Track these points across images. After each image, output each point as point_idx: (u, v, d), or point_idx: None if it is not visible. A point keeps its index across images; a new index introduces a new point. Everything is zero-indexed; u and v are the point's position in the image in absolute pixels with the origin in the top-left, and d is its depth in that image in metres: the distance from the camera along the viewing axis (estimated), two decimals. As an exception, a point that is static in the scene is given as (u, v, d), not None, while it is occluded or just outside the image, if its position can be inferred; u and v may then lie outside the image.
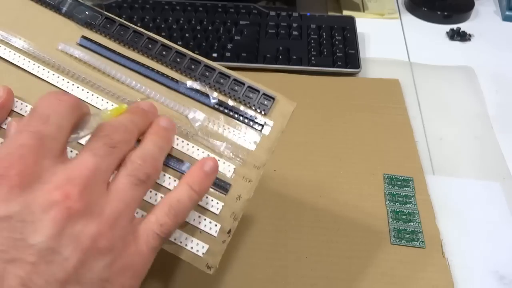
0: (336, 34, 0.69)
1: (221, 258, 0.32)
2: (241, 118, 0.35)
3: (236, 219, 0.33)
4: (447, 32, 0.75)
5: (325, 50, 0.66)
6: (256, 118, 0.35)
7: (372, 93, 0.61)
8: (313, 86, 0.62)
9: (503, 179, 0.51)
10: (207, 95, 0.35)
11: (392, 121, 0.57)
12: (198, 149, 0.34)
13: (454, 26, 0.76)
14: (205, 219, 0.32)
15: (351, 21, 0.72)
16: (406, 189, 0.49)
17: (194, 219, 0.32)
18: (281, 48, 0.66)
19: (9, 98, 0.33)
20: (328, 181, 0.50)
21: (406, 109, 0.59)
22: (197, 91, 0.35)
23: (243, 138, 0.34)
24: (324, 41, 0.68)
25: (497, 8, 0.82)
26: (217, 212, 0.33)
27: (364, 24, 0.74)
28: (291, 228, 0.45)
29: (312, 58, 0.65)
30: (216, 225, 0.32)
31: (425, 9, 0.78)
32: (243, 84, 0.36)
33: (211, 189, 0.33)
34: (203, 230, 0.32)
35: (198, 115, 0.35)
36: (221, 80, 0.36)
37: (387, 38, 0.74)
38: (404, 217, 0.46)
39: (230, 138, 0.34)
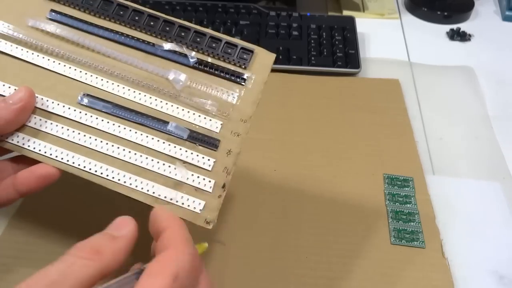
0: (336, 34, 0.69)
1: (219, 223, 0.33)
2: (222, 74, 0.35)
3: (229, 173, 0.33)
4: (447, 32, 0.75)
5: (325, 50, 0.66)
6: (237, 73, 0.35)
7: (372, 93, 0.61)
8: (313, 86, 0.62)
9: (503, 179, 0.51)
10: (185, 55, 0.35)
11: (392, 121, 0.57)
12: (183, 109, 0.34)
13: (454, 26, 0.76)
14: (198, 177, 0.33)
15: (351, 21, 0.72)
16: (406, 189, 0.49)
17: (188, 178, 0.33)
18: (281, 48, 0.66)
19: (31, 99, 0.33)
20: (328, 181, 0.50)
21: (406, 109, 0.59)
22: (174, 52, 0.36)
23: (226, 94, 0.35)
24: (324, 41, 0.68)
25: (497, 8, 0.82)
26: (210, 168, 0.33)
27: (364, 24, 0.74)
28: (291, 228, 0.45)
29: (312, 58, 0.65)
30: (210, 181, 0.33)
31: (425, 9, 0.78)
32: (220, 40, 0.36)
33: (201, 147, 0.33)
34: (198, 188, 0.32)
35: (178, 75, 0.35)
36: (198, 39, 0.36)
37: (387, 38, 0.74)
38: (404, 217, 0.46)
39: (213, 95, 0.35)
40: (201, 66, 0.35)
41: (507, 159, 0.53)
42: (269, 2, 0.80)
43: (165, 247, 0.28)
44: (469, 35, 0.74)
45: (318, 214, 0.46)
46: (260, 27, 0.70)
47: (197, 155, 0.33)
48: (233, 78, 0.35)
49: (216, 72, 0.35)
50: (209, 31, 0.36)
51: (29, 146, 0.33)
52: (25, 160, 0.34)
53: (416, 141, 0.55)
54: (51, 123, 0.34)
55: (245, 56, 0.36)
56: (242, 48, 0.36)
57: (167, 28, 0.36)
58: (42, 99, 0.34)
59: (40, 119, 0.34)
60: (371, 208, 0.47)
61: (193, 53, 0.36)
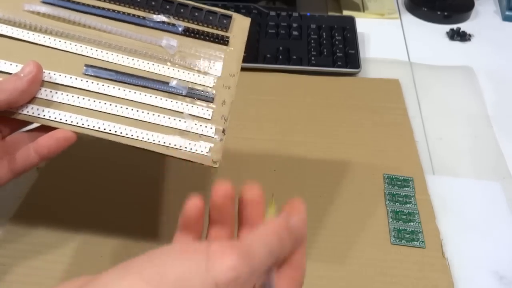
0: (336, 34, 0.69)
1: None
2: (207, 37, 0.40)
3: (226, 120, 0.38)
4: (447, 32, 0.75)
5: (325, 50, 0.66)
6: (220, 36, 0.41)
7: (372, 93, 0.61)
8: (313, 86, 0.62)
9: (503, 179, 0.51)
10: (173, 25, 0.40)
11: (392, 121, 0.57)
12: (178, 70, 0.39)
13: (454, 26, 0.76)
14: (201, 125, 0.37)
15: (351, 21, 0.72)
16: (406, 189, 0.49)
17: (192, 127, 0.37)
18: (281, 48, 0.66)
19: (40, 71, 0.36)
20: (328, 181, 0.50)
21: (406, 109, 0.59)
22: (163, 22, 0.40)
23: (214, 54, 0.40)
24: (324, 41, 0.68)
25: (497, 8, 0.82)
26: (209, 117, 0.38)
27: (364, 24, 0.74)
28: (291, 228, 0.45)
29: (312, 58, 0.65)
30: (211, 128, 0.37)
31: (425, 9, 0.78)
32: (202, 9, 0.41)
33: (199, 100, 0.38)
34: (202, 134, 0.37)
35: (170, 41, 0.39)
36: (182, 10, 0.41)
37: (387, 38, 0.74)
38: (404, 217, 0.46)
39: (203, 56, 0.40)
40: (188, 32, 0.40)
41: (507, 159, 0.53)
42: (269, 2, 0.80)
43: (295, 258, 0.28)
44: (469, 35, 0.74)
45: (318, 214, 0.46)
46: (260, 27, 0.70)
47: (197, 107, 0.38)
48: (217, 40, 0.40)
49: (202, 36, 0.40)
50: (190, 2, 0.41)
51: (44, 115, 0.36)
52: (40, 131, 0.36)
53: (416, 141, 0.55)
54: (62, 93, 0.37)
55: (225, 21, 0.41)
56: (221, 14, 0.41)
57: (153, 3, 0.40)
58: (49, 73, 0.37)
59: (51, 91, 0.37)
60: (371, 208, 0.47)
61: (180, 22, 0.40)
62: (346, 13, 0.78)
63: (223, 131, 0.38)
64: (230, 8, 0.73)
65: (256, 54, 0.66)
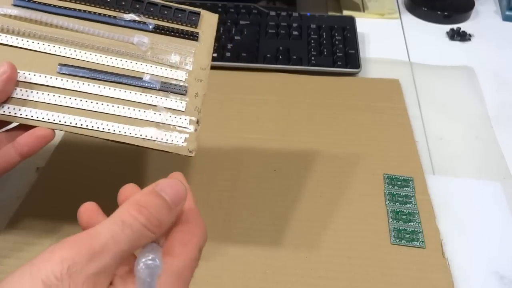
0: (336, 34, 0.69)
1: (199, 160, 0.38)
2: (177, 34, 0.41)
3: (199, 111, 0.39)
4: (447, 32, 0.75)
5: (325, 50, 0.66)
6: (190, 32, 0.42)
7: (372, 93, 0.61)
8: (313, 86, 0.62)
9: (503, 179, 0.51)
10: (144, 23, 0.41)
11: (392, 121, 0.57)
12: (151, 66, 0.40)
13: (454, 26, 0.76)
14: (175, 117, 0.38)
15: (351, 21, 0.72)
16: (406, 189, 0.49)
17: (167, 119, 0.38)
18: (281, 48, 0.66)
19: (14, 71, 0.36)
20: (328, 181, 0.50)
21: (406, 109, 0.59)
22: (134, 21, 0.41)
23: (185, 49, 0.41)
24: (324, 41, 0.68)
25: (497, 8, 0.82)
26: (183, 109, 0.39)
27: (364, 24, 0.74)
28: (291, 228, 0.45)
29: (312, 58, 0.65)
30: (186, 119, 0.39)
31: (425, 9, 0.78)
32: (171, 7, 0.42)
33: (172, 94, 0.39)
34: (177, 125, 0.38)
35: (142, 39, 0.40)
36: (151, 8, 0.42)
37: (387, 38, 0.74)
38: (404, 217, 0.46)
39: (174, 51, 0.41)
40: (159, 29, 0.41)
41: (507, 159, 0.53)
42: (269, 2, 0.80)
43: (187, 220, 0.28)
44: (469, 35, 0.74)
45: (318, 214, 0.46)
46: (260, 27, 0.70)
47: (171, 100, 0.39)
48: (187, 36, 0.42)
49: (173, 33, 0.41)
50: (159, 1, 0.42)
51: (21, 114, 0.36)
52: (17, 130, 0.37)
53: (416, 141, 0.55)
54: (37, 92, 0.37)
55: (193, 18, 0.42)
56: (190, 12, 0.42)
57: (123, 2, 0.41)
58: (23, 73, 0.37)
59: (26, 90, 0.37)
60: (371, 208, 0.47)
61: (150, 20, 0.41)
62: (346, 13, 0.78)
63: (197, 121, 0.39)
64: (230, 8, 0.73)
65: (256, 54, 0.66)
